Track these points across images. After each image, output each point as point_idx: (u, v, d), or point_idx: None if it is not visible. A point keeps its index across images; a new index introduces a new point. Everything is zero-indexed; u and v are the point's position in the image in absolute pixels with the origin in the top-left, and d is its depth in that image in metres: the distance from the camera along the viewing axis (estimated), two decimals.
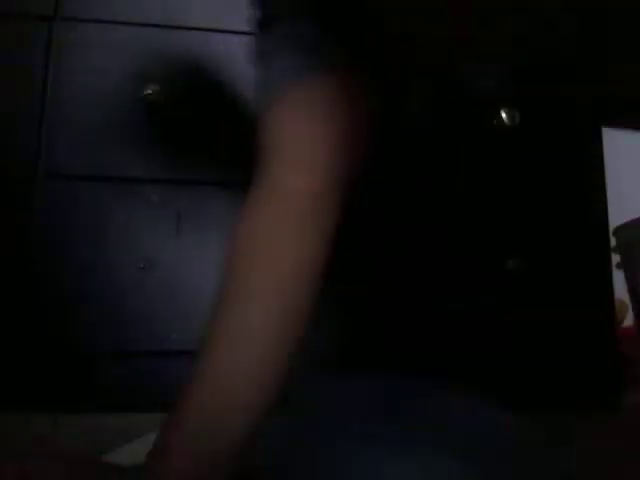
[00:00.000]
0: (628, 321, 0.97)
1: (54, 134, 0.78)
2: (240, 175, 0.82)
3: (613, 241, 0.86)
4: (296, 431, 0.44)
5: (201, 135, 0.82)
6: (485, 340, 0.82)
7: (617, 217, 0.85)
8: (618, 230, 0.80)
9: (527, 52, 0.41)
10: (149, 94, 0.78)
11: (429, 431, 0.40)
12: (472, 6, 0.38)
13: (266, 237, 0.44)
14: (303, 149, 0.45)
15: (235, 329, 0.42)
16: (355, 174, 0.47)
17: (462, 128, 0.87)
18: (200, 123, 0.82)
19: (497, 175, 0.87)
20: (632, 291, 0.78)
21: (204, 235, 0.79)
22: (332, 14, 0.45)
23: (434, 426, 0.41)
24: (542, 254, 0.85)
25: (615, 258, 0.89)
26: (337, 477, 0.39)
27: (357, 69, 0.46)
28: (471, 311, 0.82)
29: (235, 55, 0.84)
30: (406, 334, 0.80)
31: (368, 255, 0.81)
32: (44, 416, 0.68)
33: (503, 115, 0.86)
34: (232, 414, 0.40)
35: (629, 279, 0.78)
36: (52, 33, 0.80)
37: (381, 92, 0.50)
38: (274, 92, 0.47)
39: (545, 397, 0.82)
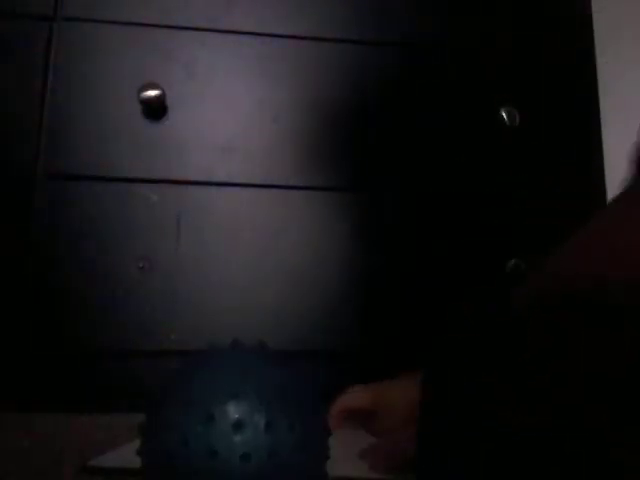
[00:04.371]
0: None
1: (54, 134, 0.78)
2: (239, 176, 0.82)
3: None
4: None
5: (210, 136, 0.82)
6: None
7: None
8: None
9: None
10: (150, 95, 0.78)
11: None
12: None
13: None
14: None
15: None
16: None
17: (462, 128, 0.87)
18: (207, 123, 0.82)
19: (496, 175, 0.87)
20: None
21: (204, 235, 0.79)
22: None
23: None
24: (542, 256, 0.85)
25: None
26: None
27: None
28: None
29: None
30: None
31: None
32: (44, 416, 0.68)
33: (503, 115, 0.86)
34: None
35: None
36: (52, 33, 0.80)
37: None
38: None
39: None
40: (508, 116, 0.86)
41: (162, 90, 0.78)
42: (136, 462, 0.52)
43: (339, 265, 0.81)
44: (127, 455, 0.55)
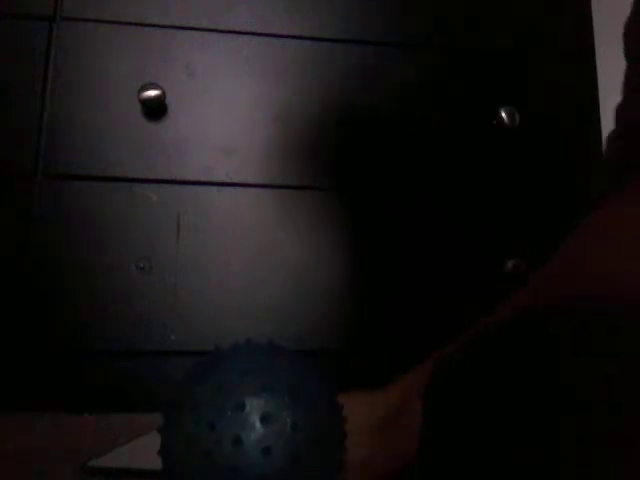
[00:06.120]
0: None
1: (54, 134, 0.78)
2: (239, 176, 0.82)
3: None
4: None
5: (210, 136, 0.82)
6: None
7: None
8: None
9: None
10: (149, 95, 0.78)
11: None
12: None
13: None
14: None
15: None
16: None
17: (462, 127, 0.87)
18: (207, 123, 0.82)
19: (496, 175, 0.87)
20: None
21: (204, 235, 0.79)
22: None
23: None
24: (541, 256, 0.85)
25: None
26: None
27: None
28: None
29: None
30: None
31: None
32: (44, 416, 0.69)
33: (503, 115, 0.86)
34: None
35: None
36: (52, 33, 0.80)
37: None
38: None
39: None
40: (508, 116, 0.86)
41: (162, 90, 0.78)
42: (136, 462, 0.53)
43: (339, 265, 0.81)
44: (127, 455, 0.55)
